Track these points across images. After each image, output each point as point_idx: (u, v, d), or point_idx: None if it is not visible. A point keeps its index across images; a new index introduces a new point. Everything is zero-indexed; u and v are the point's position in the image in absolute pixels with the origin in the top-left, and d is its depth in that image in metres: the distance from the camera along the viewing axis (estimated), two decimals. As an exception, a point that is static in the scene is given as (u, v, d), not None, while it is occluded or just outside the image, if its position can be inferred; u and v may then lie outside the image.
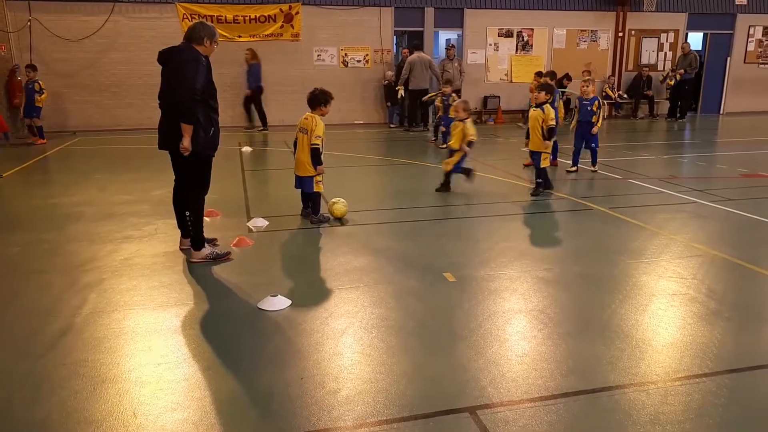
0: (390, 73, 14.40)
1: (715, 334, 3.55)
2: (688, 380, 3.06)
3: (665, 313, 3.90)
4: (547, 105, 7.19)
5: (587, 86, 8.66)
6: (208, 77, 4.54)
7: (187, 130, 4.43)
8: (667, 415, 2.75)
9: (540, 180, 7.07)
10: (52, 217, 6.29)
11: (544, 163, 7.12)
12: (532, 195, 7.01)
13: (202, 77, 4.45)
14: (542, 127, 7.11)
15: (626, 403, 2.85)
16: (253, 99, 13.48)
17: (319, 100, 5.82)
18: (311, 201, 6.01)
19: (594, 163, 8.73)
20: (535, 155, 7.20)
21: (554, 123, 7.09)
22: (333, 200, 6.07)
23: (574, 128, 8.92)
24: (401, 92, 13.75)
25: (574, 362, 3.24)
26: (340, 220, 5.98)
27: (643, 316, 3.83)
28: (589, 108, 8.52)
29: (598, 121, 8.52)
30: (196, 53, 4.51)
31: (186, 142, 4.45)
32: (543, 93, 7.20)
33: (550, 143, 7.18)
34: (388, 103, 14.49)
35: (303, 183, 5.97)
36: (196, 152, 4.56)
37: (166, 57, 4.58)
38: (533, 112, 7.29)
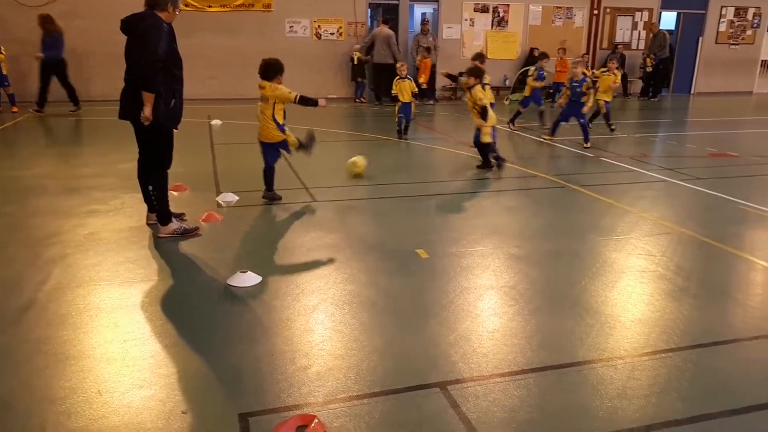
0: (357, 46, 14.18)
1: (681, 311, 3.61)
2: (655, 355, 3.11)
3: (634, 289, 3.95)
4: (476, 87, 7.20)
5: (576, 67, 8.88)
6: (171, 45, 4.42)
7: (148, 99, 4.32)
8: (634, 390, 2.79)
9: (487, 157, 7.22)
10: (12, 191, 6.08)
11: (486, 138, 7.16)
12: (479, 167, 7.28)
13: (164, 44, 4.33)
14: (479, 108, 7.16)
15: (594, 378, 2.89)
16: (51, 72, 11.27)
17: (276, 69, 5.49)
18: (265, 174, 5.76)
19: (586, 139, 8.88)
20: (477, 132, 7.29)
21: (485, 102, 7.14)
22: (351, 161, 6.66)
23: (561, 106, 9.13)
24: (356, 57, 13.76)
25: (543, 338, 3.27)
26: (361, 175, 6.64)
27: (613, 293, 3.88)
28: (578, 89, 8.70)
29: (588, 100, 8.73)
30: (157, 20, 4.37)
31: (147, 112, 4.33)
32: (472, 78, 7.23)
33: (487, 122, 7.16)
34: (359, 79, 14.20)
35: (268, 150, 5.69)
36: (157, 123, 4.45)
37: (129, 25, 4.44)
38: (466, 97, 7.45)
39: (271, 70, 5.50)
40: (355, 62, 13.90)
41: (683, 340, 3.26)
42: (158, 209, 4.73)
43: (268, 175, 5.79)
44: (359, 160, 6.74)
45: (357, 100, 14.19)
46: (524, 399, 2.71)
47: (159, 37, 4.30)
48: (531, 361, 3.03)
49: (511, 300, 3.74)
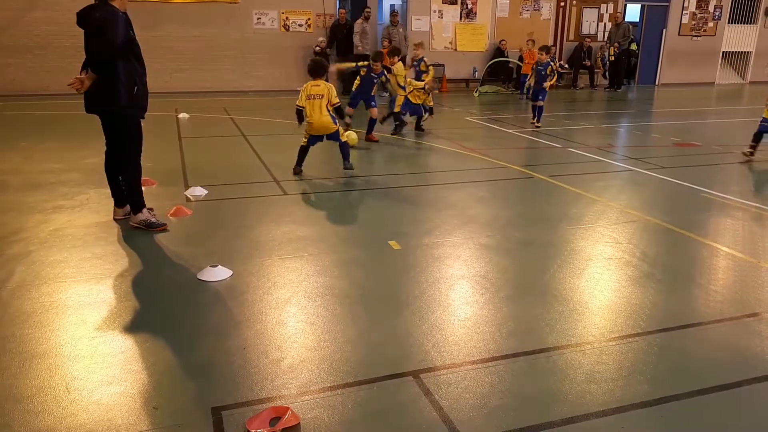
0: (321, 39, 14.08)
1: (647, 296, 3.70)
2: (621, 340, 3.18)
3: (601, 276, 4.03)
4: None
5: (416, 48, 9.72)
6: (129, 33, 4.39)
7: (90, 77, 4.32)
8: (601, 374, 2.85)
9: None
10: (-27, 187, 5.91)
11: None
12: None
13: (121, 32, 4.29)
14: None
15: (564, 363, 2.94)
16: None
17: (324, 67, 6.60)
18: (342, 149, 6.73)
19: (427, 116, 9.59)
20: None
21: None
22: (347, 132, 7.30)
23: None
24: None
25: (514, 325, 3.32)
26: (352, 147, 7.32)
27: (580, 280, 3.95)
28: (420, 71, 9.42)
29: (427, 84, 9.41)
30: (112, 9, 4.34)
31: (86, 82, 4.32)
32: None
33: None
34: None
35: (333, 137, 6.66)
36: (122, 111, 4.41)
37: (84, 17, 4.38)
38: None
39: (320, 69, 6.53)
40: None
41: (649, 324, 3.34)
42: (130, 200, 4.70)
43: (345, 146, 6.79)
44: (352, 134, 7.81)
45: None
46: (495, 385, 2.75)
47: (116, 25, 4.26)
48: (502, 348, 3.07)
49: (482, 289, 3.78)
